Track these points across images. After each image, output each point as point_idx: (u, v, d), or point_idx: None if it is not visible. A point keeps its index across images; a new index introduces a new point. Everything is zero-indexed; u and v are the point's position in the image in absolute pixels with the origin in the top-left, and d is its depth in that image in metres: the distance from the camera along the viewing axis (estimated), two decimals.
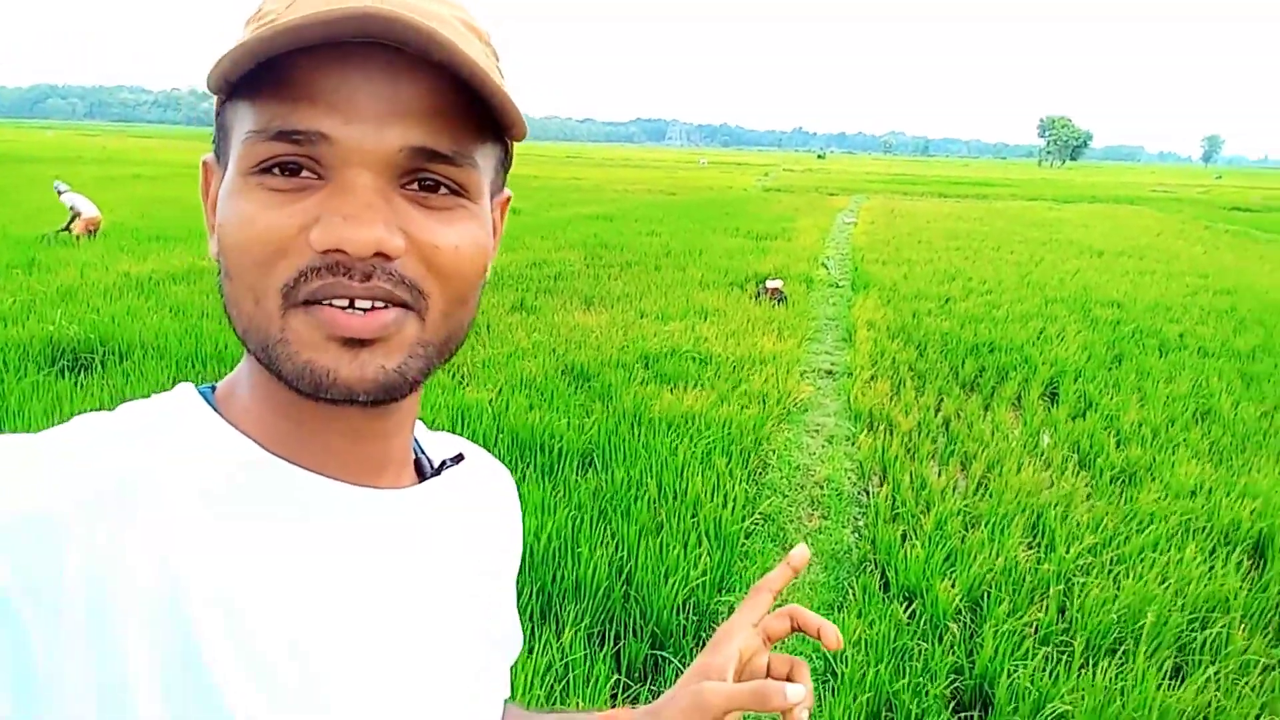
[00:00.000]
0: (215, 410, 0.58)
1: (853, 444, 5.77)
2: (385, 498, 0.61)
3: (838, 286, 11.99)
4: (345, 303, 0.51)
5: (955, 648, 3.42)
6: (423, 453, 0.70)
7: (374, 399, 0.54)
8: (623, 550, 3.88)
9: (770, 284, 10.48)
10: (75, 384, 5.76)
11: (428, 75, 0.51)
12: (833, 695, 3.17)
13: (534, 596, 3.50)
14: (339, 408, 0.55)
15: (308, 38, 0.48)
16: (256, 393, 0.58)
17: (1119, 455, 5.46)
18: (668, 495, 4.51)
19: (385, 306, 0.52)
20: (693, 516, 4.30)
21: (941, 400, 6.60)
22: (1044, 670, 3.27)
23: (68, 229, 11.92)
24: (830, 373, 7.57)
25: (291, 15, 0.50)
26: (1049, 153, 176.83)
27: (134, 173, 27.87)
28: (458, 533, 0.67)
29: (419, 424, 0.72)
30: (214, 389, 0.61)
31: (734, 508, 4.42)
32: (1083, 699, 3.08)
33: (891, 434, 5.79)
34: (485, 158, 0.57)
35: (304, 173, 0.51)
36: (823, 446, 5.76)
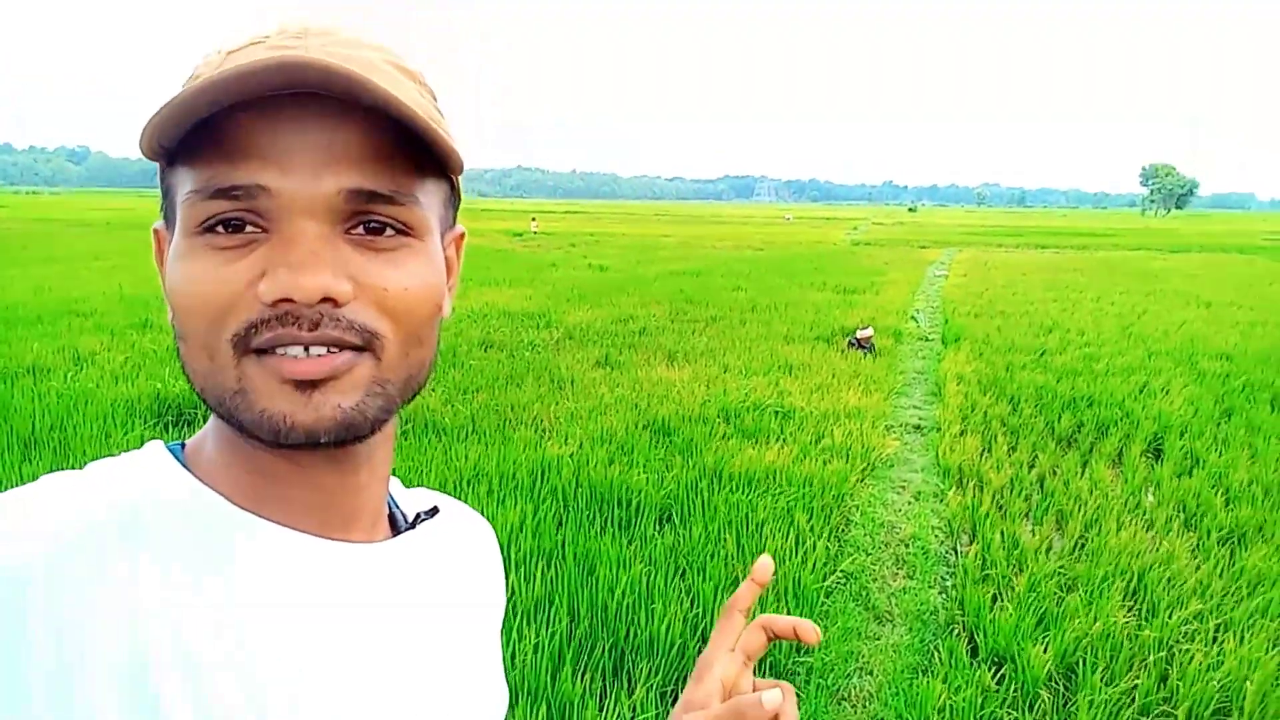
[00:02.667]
0: (184, 466, 0.58)
1: (941, 501, 5.60)
2: (357, 552, 0.60)
3: (927, 340, 11.75)
4: (298, 350, 0.51)
5: (1047, 717, 3.25)
6: (397, 508, 0.69)
7: (335, 439, 0.53)
8: (698, 607, 3.82)
9: (860, 333, 10.34)
10: (178, 438, 6.01)
11: (360, 119, 0.52)
12: None
13: (606, 652, 3.47)
14: (305, 459, 0.55)
15: (233, 92, 0.48)
16: (223, 449, 0.58)
17: (1227, 515, 5.15)
18: (746, 552, 4.43)
19: (338, 350, 0.52)
20: (772, 574, 4.20)
21: (1036, 456, 6.36)
22: None
23: None
24: (918, 428, 7.39)
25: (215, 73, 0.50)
26: (1152, 201, 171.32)
27: None
28: (434, 587, 0.65)
29: (395, 481, 0.72)
30: (184, 446, 0.61)
31: (814, 565, 4.31)
32: None
33: (982, 491, 5.60)
34: (428, 195, 0.57)
35: (248, 228, 0.52)
36: (909, 503, 5.60)
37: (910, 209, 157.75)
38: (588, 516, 4.77)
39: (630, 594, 3.82)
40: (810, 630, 0.67)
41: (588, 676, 3.31)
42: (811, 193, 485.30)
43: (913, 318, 13.54)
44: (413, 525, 0.67)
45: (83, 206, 64.31)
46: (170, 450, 0.59)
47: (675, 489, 5.21)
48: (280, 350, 0.51)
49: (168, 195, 0.56)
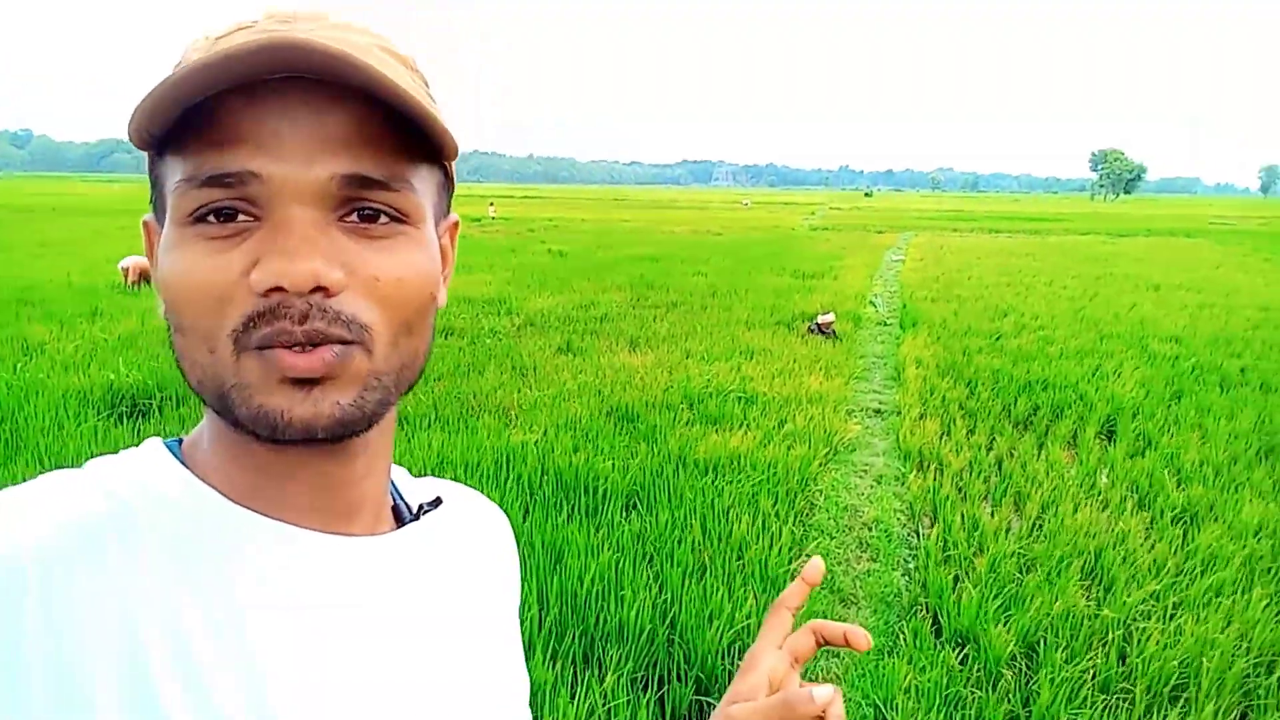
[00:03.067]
0: (182, 463, 0.57)
1: (902, 484, 5.67)
2: (356, 545, 0.59)
3: (886, 324, 11.87)
4: (291, 343, 0.50)
5: (1010, 695, 3.32)
6: (401, 499, 0.68)
7: (333, 435, 0.52)
8: (666, 593, 3.84)
9: (821, 319, 10.41)
10: (133, 429, 5.90)
11: (351, 102, 0.51)
12: None
13: (576, 640, 3.48)
14: (301, 454, 0.54)
15: (222, 75, 0.47)
16: (218, 446, 0.57)
17: (1180, 495, 5.28)
18: (712, 537, 4.46)
19: (327, 344, 0.51)
20: (738, 559, 4.24)
21: (993, 439, 6.47)
22: (1104, 719, 3.15)
23: (129, 286, 12.37)
24: (879, 412, 7.48)
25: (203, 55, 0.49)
26: (1102, 186, 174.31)
27: None
28: (439, 579, 0.64)
29: (402, 471, 0.71)
30: (181, 442, 0.60)
31: (780, 549, 4.35)
32: None
33: (942, 474, 5.68)
34: (422, 181, 0.56)
35: (240, 216, 0.51)
36: (871, 487, 5.67)
37: (866, 194, 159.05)
38: (554, 504, 4.76)
39: (599, 581, 3.82)
40: (862, 637, 0.67)
41: (559, 664, 3.31)
42: (769, 177, 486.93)
43: (871, 302, 13.67)
44: (416, 517, 0.66)
45: (26, 192, 62.63)
46: (169, 447, 0.59)
47: (641, 475, 5.22)
48: (274, 345, 0.50)
49: (157, 186, 0.55)
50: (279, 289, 0.49)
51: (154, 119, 0.49)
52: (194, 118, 0.49)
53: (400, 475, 0.70)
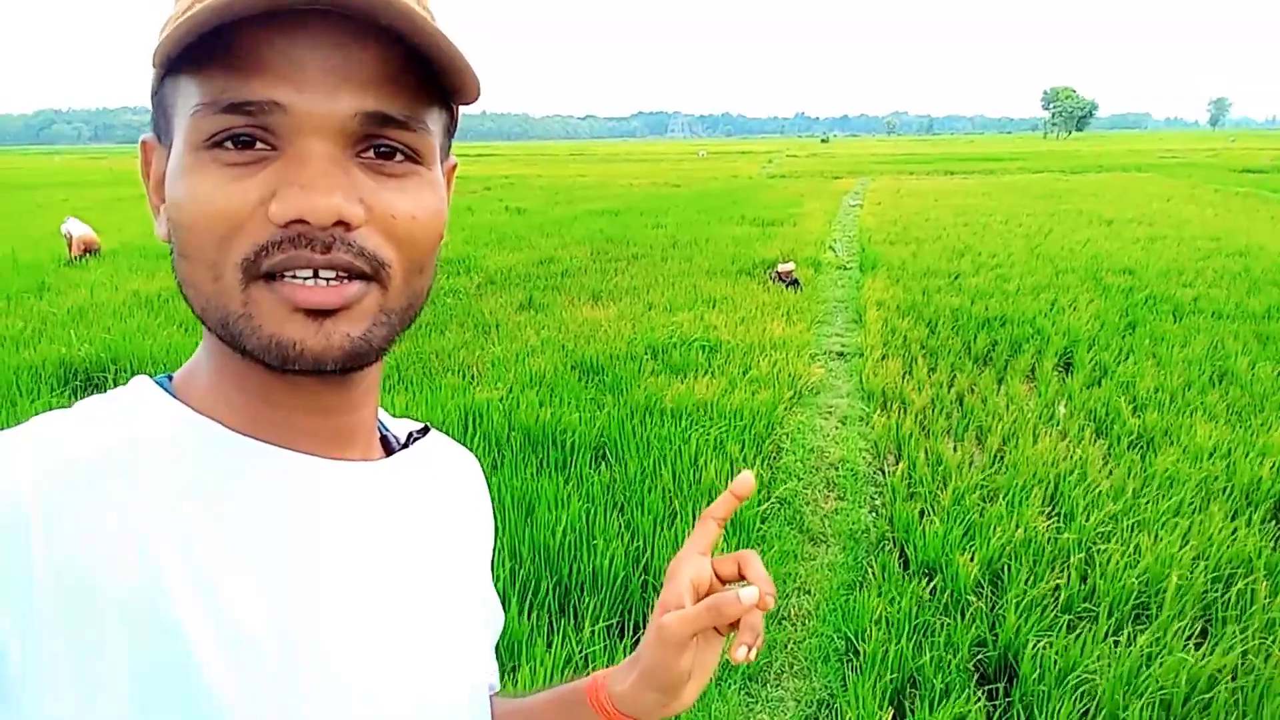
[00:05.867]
0: (174, 398, 0.58)
1: (866, 424, 5.74)
2: (356, 469, 0.61)
3: (846, 268, 11.92)
4: (308, 274, 0.51)
5: (978, 621, 3.40)
6: (388, 431, 0.70)
7: (342, 367, 0.54)
8: (639, 540, 3.87)
9: (781, 268, 10.40)
10: None
11: (378, 40, 0.51)
12: (856, 674, 3.15)
13: (551, 591, 3.50)
14: (303, 382, 0.55)
15: (258, 7, 0.47)
16: (218, 375, 0.58)
17: (1136, 421, 5.40)
18: (682, 484, 4.49)
19: (347, 278, 0.52)
20: (708, 503, 4.25)
21: (954, 376, 6.55)
22: (1069, 639, 3.24)
23: (72, 259, 12.00)
24: (841, 354, 7.54)
25: None
26: (1054, 124, 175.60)
27: (141, 193, 27.84)
28: (429, 505, 0.67)
29: (382, 411, 0.72)
30: (171, 379, 0.60)
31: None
32: (1109, 666, 3.05)
33: (905, 412, 5.75)
34: (435, 122, 0.57)
35: (258, 144, 0.51)
36: (836, 428, 5.73)
37: (823, 140, 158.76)
38: (522, 459, 4.77)
39: (570, 532, 3.84)
40: (760, 594, 0.65)
41: (534, 614, 3.34)
42: (725, 126, 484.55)
43: (831, 248, 13.71)
44: (406, 445, 0.69)
45: None
46: (159, 383, 0.59)
47: (608, 427, 5.23)
48: (290, 275, 0.51)
49: (162, 106, 0.54)
50: (300, 221, 0.50)
51: (183, 44, 0.48)
52: (213, 39, 0.49)
53: (380, 413, 0.72)
